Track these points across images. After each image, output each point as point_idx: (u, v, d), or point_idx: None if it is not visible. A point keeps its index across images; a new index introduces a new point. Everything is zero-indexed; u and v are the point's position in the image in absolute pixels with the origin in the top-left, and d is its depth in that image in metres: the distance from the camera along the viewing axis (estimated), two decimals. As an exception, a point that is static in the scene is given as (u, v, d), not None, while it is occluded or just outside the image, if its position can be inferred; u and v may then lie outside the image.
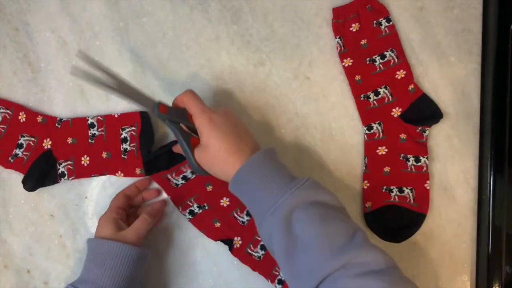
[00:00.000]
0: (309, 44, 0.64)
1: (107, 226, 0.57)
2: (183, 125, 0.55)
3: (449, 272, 0.62)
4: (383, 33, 0.63)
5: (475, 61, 0.63)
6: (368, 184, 0.63)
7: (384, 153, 0.63)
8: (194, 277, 0.63)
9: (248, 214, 0.62)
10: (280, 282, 0.60)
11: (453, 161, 0.63)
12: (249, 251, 0.61)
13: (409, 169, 0.62)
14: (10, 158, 0.63)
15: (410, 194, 0.62)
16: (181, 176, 0.62)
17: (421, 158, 0.62)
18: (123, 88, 0.52)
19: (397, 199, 0.62)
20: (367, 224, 0.62)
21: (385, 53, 0.63)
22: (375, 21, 0.63)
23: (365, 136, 0.63)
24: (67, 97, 0.65)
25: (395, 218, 0.62)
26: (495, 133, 0.62)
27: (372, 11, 0.62)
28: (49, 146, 0.63)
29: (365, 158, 0.63)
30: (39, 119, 0.64)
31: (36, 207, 0.64)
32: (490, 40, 0.63)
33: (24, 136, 0.63)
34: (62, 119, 0.64)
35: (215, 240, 0.62)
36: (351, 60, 0.63)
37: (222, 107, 0.56)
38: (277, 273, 0.61)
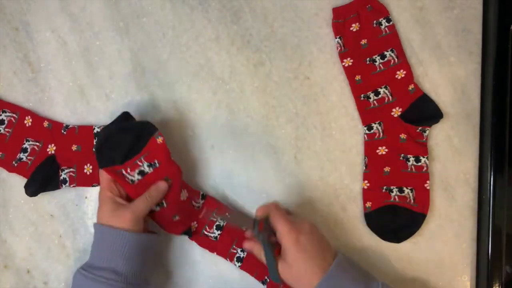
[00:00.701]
0: (309, 44, 0.64)
1: (103, 207, 0.55)
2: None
3: (449, 272, 0.62)
4: (383, 33, 0.63)
5: (475, 61, 0.63)
6: (368, 184, 0.63)
7: (384, 153, 0.63)
8: (194, 277, 0.63)
9: (203, 197, 0.62)
10: (239, 259, 0.61)
11: (453, 161, 0.63)
12: (205, 232, 0.62)
13: (409, 169, 0.62)
14: (14, 162, 0.63)
15: (410, 194, 0.62)
16: (137, 171, 0.56)
17: (421, 158, 0.62)
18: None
19: (397, 199, 0.62)
20: (367, 224, 0.62)
21: (385, 53, 0.63)
22: (375, 21, 0.63)
23: (365, 136, 0.63)
24: (67, 97, 0.65)
25: (395, 218, 0.62)
26: (495, 133, 0.62)
27: (372, 11, 0.62)
28: (53, 152, 0.63)
29: (365, 158, 0.63)
30: (46, 124, 0.64)
31: (36, 207, 0.64)
32: (490, 40, 0.63)
33: (29, 141, 0.63)
34: (69, 125, 0.64)
35: (178, 234, 0.61)
36: (351, 60, 0.63)
37: (307, 222, 0.56)
38: (235, 251, 0.61)
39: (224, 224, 0.62)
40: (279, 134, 0.64)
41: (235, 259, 0.62)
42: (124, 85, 0.65)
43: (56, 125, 0.64)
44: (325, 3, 0.64)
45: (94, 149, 0.58)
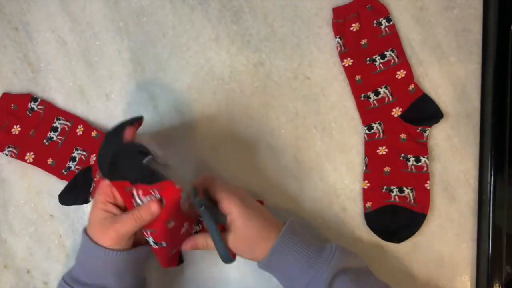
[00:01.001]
0: (309, 44, 0.64)
1: (93, 214, 0.51)
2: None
3: (449, 272, 0.62)
4: (383, 33, 0.63)
5: (475, 61, 0.63)
6: (368, 184, 0.63)
7: (384, 153, 0.63)
8: (194, 277, 0.63)
9: (198, 223, 0.61)
10: None
11: (453, 161, 0.63)
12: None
13: (409, 169, 0.62)
14: (64, 171, 0.63)
15: (411, 194, 0.62)
16: (148, 197, 0.50)
17: (421, 158, 0.62)
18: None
19: (397, 199, 0.62)
20: (367, 224, 0.62)
21: (385, 53, 0.63)
22: (375, 21, 0.63)
23: (365, 136, 0.63)
24: (67, 97, 0.65)
25: (395, 218, 0.62)
26: (495, 133, 0.62)
27: (372, 11, 0.62)
28: (92, 162, 0.63)
29: (365, 158, 0.63)
30: (93, 133, 0.64)
31: (36, 207, 0.64)
32: (490, 40, 0.63)
33: (77, 150, 0.63)
34: None
35: (174, 267, 0.58)
36: (351, 60, 0.63)
37: (240, 187, 0.56)
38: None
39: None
40: (279, 134, 0.64)
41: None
42: (124, 85, 0.65)
43: (102, 136, 0.64)
44: (325, 3, 0.64)
45: (109, 159, 0.51)
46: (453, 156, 0.63)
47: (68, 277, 0.52)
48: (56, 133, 0.63)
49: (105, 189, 0.51)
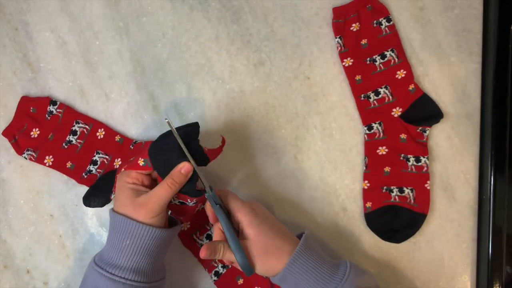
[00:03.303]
0: (309, 44, 0.64)
1: (122, 194, 0.51)
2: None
3: (449, 272, 0.62)
4: (384, 32, 0.63)
5: (475, 61, 0.63)
6: (368, 184, 0.63)
7: (384, 153, 0.63)
8: (194, 276, 0.63)
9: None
10: (217, 274, 0.61)
11: (453, 161, 0.63)
12: (194, 237, 0.62)
13: (409, 169, 0.62)
14: (84, 174, 0.63)
15: (411, 194, 0.62)
16: (205, 235, 0.62)
17: (421, 158, 0.62)
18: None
19: (397, 199, 0.62)
20: (367, 224, 0.62)
21: (386, 53, 0.63)
22: (375, 21, 0.63)
23: (365, 136, 0.63)
24: (67, 97, 0.65)
25: (395, 218, 0.62)
26: (495, 133, 0.62)
27: (372, 11, 0.62)
28: (117, 167, 0.63)
29: (365, 158, 0.63)
30: (117, 138, 0.64)
31: (36, 207, 0.64)
32: (491, 40, 0.63)
33: (99, 153, 0.63)
34: (137, 141, 0.64)
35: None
36: (351, 60, 0.63)
37: (252, 201, 0.56)
38: (215, 265, 0.61)
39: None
40: (279, 134, 0.64)
41: (213, 272, 0.62)
42: (124, 85, 0.65)
43: (126, 141, 0.64)
44: (325, 3, 0.64)
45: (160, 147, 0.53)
46: (453, 156, 0.63)
47: (100, 259, 0.51)
48: (75, 137, 0.63)
49: (133, 174, 0.52)
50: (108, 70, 0.65)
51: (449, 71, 0.63)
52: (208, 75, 0.65)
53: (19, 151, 0.63)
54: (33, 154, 0.63)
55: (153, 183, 0.54)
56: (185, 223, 0.62)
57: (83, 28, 0.65)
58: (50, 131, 0.63)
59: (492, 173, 0.61)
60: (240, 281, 0.61)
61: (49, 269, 0.64)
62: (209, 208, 0.54)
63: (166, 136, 0.53)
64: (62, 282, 0.64)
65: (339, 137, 0.64)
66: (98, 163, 0.63)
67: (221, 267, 0.62)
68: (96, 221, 0.64)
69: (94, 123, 0.64)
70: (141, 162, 0.52)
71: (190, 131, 0.53)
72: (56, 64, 0.65)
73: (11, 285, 0.64)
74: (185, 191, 0.52)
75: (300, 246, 0.51)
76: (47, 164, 0.63)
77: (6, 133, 0.63)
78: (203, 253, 0.51)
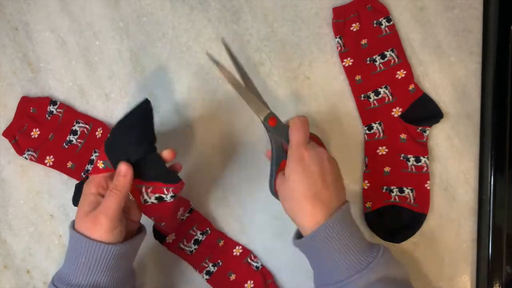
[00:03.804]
0: (309, 44, 0.64)
1: (80, 206, 0.48)
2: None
3: (449, 272, 0.62)
4: (384, 32, 0.63)
5: (475, 61, 0.63)
6: (368, 184, 0.63)
7: (384, 153, 0.63)
8: (192, 275, 0.63)
9: (190, 211, 0.62)
10: (208, 273, 0.62)
11: (453, 161, 0.63)
12: (182, 245, 0.62)
13: (409, 169, 0.62)
14: (82, 174, 0.63)
15: (411, 194, 0.62)
16: (192, 241, 0.62)
17: (421, 158, 0.62)
18: (245, 88, 0.52)
19: (397, 199, 0.62)
20: (367, 224, 0.62)
21: (386, 53, 0.63)
22: (375, 21, 0.63)
23: (365, 136, 0.63)
24: (67, 97, 0.65)
25: (395, 218, 0.62)
26: (495, 133, 0.62)
27: (372, 11, 0.62)
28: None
29: (365, 158, 0.63)
30: None
31: (36, 207, 0.64)
32: (491, 40, 0.63)
33: (96, 152, 0.63)
34: None
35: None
36: (352, 60, 0.63)
37: (322, 149, 0.52)
38: (206, 265, 0.62)
39: (203, 238, 0.62)
40: (279, 134, 0.64)
41: (204, 272, 0.62)
42: (124, 85, 0.65)
43: None
44: (325, 3, 0.64)
45: (111, 142, 0.50)
46: (453, 156, 0.63)
47: (58, 279, 0.49)
48: (76, 136, 0.63)
49: (97, 180, 0.49)
50: (108, 70, 0.65)
51: (449, 71, 0.63)
52: (208, 75, 0.65)
53: (20, 151, 0.63)
54: (34, 154, 0.63)
55: None
56: (170, 235, 0.62)
57: (83, 28, 0.65)
58: (50, 131, 0.63)
59: (492, 173, 0.61)
60: (232, 277, 0.62)
61: (49, 269, 0.64)
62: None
63: (120, 125, 0.50)
64: (62, 282, 0.64)
65: (339, 137, 0.64)
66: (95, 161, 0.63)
67: (212, 265, 0.62)
68: (96, 221, 0.64)
69: (94, 123, 0.64)
70: (100, 164, 0.49)
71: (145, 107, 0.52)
72: (56, 64, 0.65)
73: (11, 285, 0.64)
74: (156, 176, 0.49)
75: (335, 217, 0.47)
76: (47, 164, 0.63)
77: (6, 133, 0.63)
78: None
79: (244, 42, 0.65)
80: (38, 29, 0.65)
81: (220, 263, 0.62)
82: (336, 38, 0.63)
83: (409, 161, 0.62)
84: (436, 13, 0.64)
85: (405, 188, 0.62)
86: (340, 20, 0.63)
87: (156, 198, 0.50)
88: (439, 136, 0.63)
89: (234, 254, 0.62)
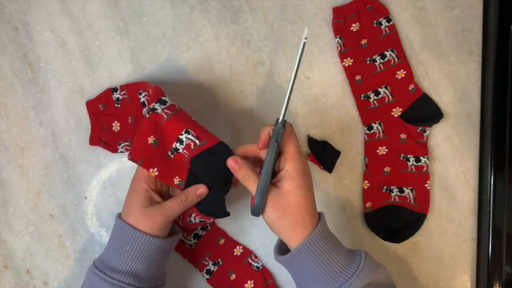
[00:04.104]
0: (309, 44, 0.64)
1: (135, 199, 0.52)
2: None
3: (449, 272, 0.62)
4: (384, 33, 0.63)
5: (475, 61, 0.63)
6: (368, 184, 0.63)
7: (384, 153, 0.63)
8: (192, 276, 0.63)
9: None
10: (208, 272, 0.62)
11: (453, 161, 0.63)
12: (182, 238, 0.62)
13: (409, 169, 0.62)
14: (170, 152, 0.57)
15: (411, 194, 0.62)
16: (192, 235, 0.62)
17: (421, 158, 0.62)
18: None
19: (397, 199, 0.62)
20: (367, 224, 0.62)
21: (386, 53, 0.63)
22: (375, 21, 0.63)
23: (365, 136, 0.63)
24: (67, 97, 0.65)
25: (395, 218, 0.62)
26: (495, 133, 0.62)
27: (372, 11, 0.62)
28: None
29: (365, 158, 0.63)
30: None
31: (36, 207, 0.64)
32: (491, 40, 0.63)
33: (187, 133, 0.54)
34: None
35: None
36: (351, 60, 0.63)
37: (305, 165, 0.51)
38: (206, 263, 0.62)
39: (203, 234, 0.62)
40: (279, 134, 0.64)
41: (204, 270, 0.62)
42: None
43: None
44: (325, 3, 0.64)
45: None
46: (453, 156, 0.63)
47: (100, 262, 0.52)
48: (146, 108, 0.58)
49: (146, 175, 0.53)
50: (108, 70, 0.65)
51: (449, 71, 0.63)
52: (208, 75, 0.65)
53: (113, 149, 0.62)
54: (127, 143, 0.62)
55: (164, 190, 0.56)
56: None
57: (83, 28, 0.65)
58: (127, 116, 0.61)
59: (492, 173, 0.61)
60: (233, 277, 0.62)
61: (49, 269, 0.64)
62: (264, 135, 0.50)
63: (212, 152, 0.52)
64: (62, 282, 0.64)
65: (339, 137, 0.64)
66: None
67: (212, 264, 0.62)
68: (96, 221, 0.64)
69: (146, 86, 0.60)
70: (176, 181, 0.54)
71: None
72: (56, 64, 0.65)
73: (11, 285, 0.64)
74: (211, 213, 0.54)
75: (318, 229, 0.47)
76: (149, 142, 0.54)
77: (92, 141, 0.63)
78: (231, 161, 0.51)
79: (244, 42, 0.65)
80: (38, 29, 0.65)
81: (221, 262, 0.62)
82: (336, 38, 0.63)
83: (409, 161, 0.62)
84: (436, 13, 0.64)
85: (405, 188, 0.62)
86: (340, 20, 0.63)
87: (200, 221, 0.57)
88: (439, 136, 0.63)
89: (235, 254, 0.62)
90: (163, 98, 0.54)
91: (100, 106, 0.63)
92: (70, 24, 0.65)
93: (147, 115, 0.53)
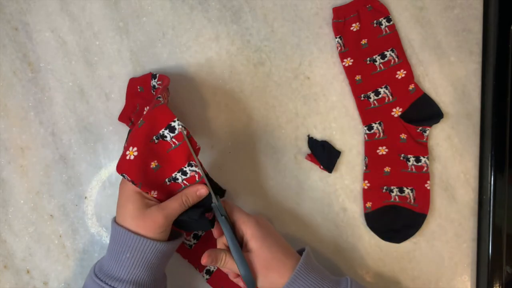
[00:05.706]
0: (309, 44, 0.64)
1: (128, 204, 0.50)
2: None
3: (449, 272, 0.62)
4: (384, 32, 0.63)
5: (475, 61, 0.63)
6: (368, 184, 0.63)
7: (384, 153, 0.63)
8: (186, 279, 0.63)
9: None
10: (208, 272, 0.62)
11: (453, 161, 0.63)
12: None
13: (409, 169, 0.62)
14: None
15: (411, 194, 0.62)
16: (192, 235, 0.62)
17: (421, 158, 0.62)
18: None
19: (397, 199, 0.62)
20: (367, 224, 0.62)
21: (386, 53, 0.63)
22: (375, 21, 0.63)
23: (366, 136, 0.63)
24: (67, 97, 0.65)
25: (395, 218, 0.62)
26: (495, 133, 0.62)
27: (372, 11, 0.62)
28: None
29: (365, 158, 0.63)
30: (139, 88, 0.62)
31: (36, 207, 0.64)
32: (491, 40, 0.63)
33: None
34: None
35: None
36: (352, 60, 0.63)
37: (256, 215, 0.55)
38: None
39: (203, 234, 0.62)
40: (279, 134, 0.64)
41: (204, 270, 0.62)
42: (124, 85, 0.65)
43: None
44: (325, 3, 0.64)
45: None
46: (453, 156, 0.63)
47: (100, 270, 0.50)
48: (146, 108, 0.57)
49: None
50: (108, 70, 0.65)
51: (449, 71, 0.63)
52: (208, 75, 0.65)
53: None
54: None
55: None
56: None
57: (83, 28, 0.65)
58: None
59: (492, 173, 0.61)
60: None
61: (49, 269, 0.64)
62: (216, 230, 0.55)
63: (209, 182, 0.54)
64: (62, 282, 0.64)
65: (339, 137, 0.64)
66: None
67: None
68: (96, 221, 0.64)
69: (166, 92, 0.59)
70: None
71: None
72: (56, 64, 0.65)
73: (11, 285, 0.64)
74: (196, 228, 0.55)
75: (301, 263, 0.51)
76: (151, 166, 0.56)
77: (122, 117, 0.62)
78: (204, 260, 0.50)
79: (244, 42, 0.65)
80: (38, 29, 0.65)
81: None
82: (336, 38, 0.63)
83: (409, 161, 0.62)
84: (436, 13, 0.64)
85: (405, 188, 0.62)
86: (340, 20, 0.63)
87: (194, 237, 0.61)
88: (439, 136, 0.63)
89: None
90: (172, 124, 0.52)
91: (138, 87, 0.62)
92: (70, 24, 0.65)
93: (156, 141, 0.52)
